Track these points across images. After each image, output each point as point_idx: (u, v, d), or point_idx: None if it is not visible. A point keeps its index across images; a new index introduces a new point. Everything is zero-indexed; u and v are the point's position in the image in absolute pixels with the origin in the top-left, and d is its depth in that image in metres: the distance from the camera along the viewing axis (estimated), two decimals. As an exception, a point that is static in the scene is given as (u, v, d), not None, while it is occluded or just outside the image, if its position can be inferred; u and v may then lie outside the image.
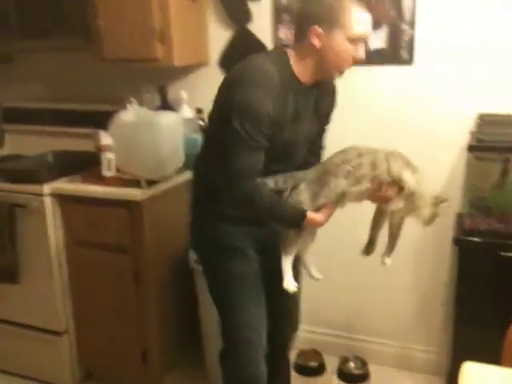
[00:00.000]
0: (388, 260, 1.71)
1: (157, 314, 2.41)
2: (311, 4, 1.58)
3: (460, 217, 2.15)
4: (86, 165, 2.54)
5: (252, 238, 1.73)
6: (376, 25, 2.29)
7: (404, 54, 2.29)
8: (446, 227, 2.20)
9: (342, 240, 2.47)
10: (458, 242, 2.00)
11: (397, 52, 2.30)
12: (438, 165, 2.28)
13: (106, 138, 2.41)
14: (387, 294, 2.55)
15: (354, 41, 1.55)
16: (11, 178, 2.46)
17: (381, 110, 2.34)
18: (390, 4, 2.26)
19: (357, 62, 1.59)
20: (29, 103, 2.99)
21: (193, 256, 2.36)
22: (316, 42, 1.55)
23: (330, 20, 1.52)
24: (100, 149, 2.43)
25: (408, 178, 1.59)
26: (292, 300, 2.05)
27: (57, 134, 2.93)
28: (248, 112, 1.48)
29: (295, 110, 1.61)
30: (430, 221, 1.67)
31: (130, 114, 2.41)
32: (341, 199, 1.63)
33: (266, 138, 1.53)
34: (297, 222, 1.63)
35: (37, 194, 2.36)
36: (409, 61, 2.28)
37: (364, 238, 1.78)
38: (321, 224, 1.65)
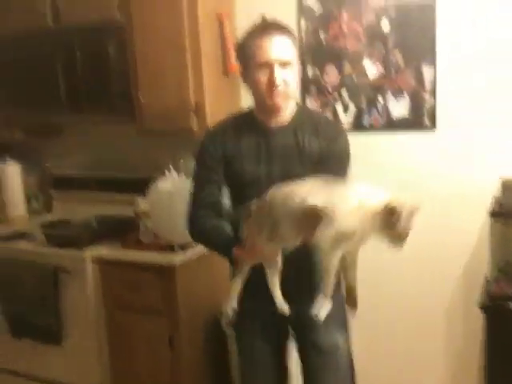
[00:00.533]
0: (316, 309, 1.49)
1: (191, 377, 2.47)
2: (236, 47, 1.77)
3: (487, 281, 2.15)
4: (126, 229, 2.69)
5: (255, 316, 1.75)
6: (398, 93, 2.41)
7: (426, 121, 2.36)
8: (474, 292, 2.19)
9: (374, 310, 2.46)
10: (483, 306, 1.99)
11: (419, 119, 2.37)
12: (464, 230, 2.30)
13: (144, 205, 2.56)
14: (419, 362, 2.51)
15: (260, 67, 1.61)
16: (56, 243, 2.64)
17: (404, 176, 2.37)
18: (411, 74, 2.36)
19: (272, 87, 1.60)
20: (75, 171, 3.21)
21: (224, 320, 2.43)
22: (243, 79, 1.71)
23: (240, 56, 1.70)
24: (138, 215, 2.59)
25: (310, 204, 1.40)
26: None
27: (100, 200, 3.10)
28: (196, 156, 1.80)
29: (254, 150, 1.70)
30: (394, 237, 1.39)
31: (167, 181, 2.54)
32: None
33: (214, 172, 1.73)
34: (229, 254, 1.65)
35: (79, 259, 2.52)
36: (431, 127, 2.35)
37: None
38: (246, 261, 1.62)
